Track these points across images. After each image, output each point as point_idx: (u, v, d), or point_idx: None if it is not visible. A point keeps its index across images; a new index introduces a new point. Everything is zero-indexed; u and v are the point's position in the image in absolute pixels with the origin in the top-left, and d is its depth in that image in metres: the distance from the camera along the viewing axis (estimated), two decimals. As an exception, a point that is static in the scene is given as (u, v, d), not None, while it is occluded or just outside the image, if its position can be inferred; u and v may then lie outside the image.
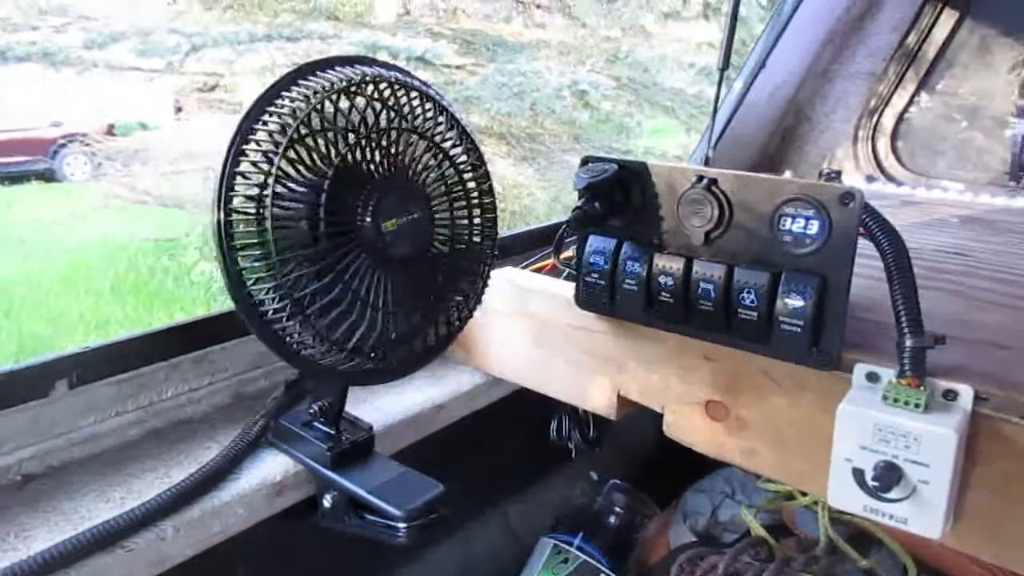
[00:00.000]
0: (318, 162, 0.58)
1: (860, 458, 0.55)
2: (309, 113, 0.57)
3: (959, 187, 1.35)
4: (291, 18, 4.93)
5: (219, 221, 0.55)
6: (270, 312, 0.57)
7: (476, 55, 5.19)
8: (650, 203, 0.66)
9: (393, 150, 0.62)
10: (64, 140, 8.20)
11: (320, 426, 0.71)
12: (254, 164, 0.56)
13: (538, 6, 5.63)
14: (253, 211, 0.55)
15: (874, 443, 0.54)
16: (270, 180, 0.55)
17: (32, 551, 0.56)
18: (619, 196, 0.67)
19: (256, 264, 0.56)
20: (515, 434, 1.03)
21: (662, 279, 0.65)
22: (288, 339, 0.60)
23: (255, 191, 0.56)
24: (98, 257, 5.69)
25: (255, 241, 0.56)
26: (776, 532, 1.03)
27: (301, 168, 0.57)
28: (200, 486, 0.64)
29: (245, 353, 0.81)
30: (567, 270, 0.85)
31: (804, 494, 1.05)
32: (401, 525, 0.64)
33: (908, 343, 0.54)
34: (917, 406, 0.53)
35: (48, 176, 8.23)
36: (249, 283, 0.57)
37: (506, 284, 0.81)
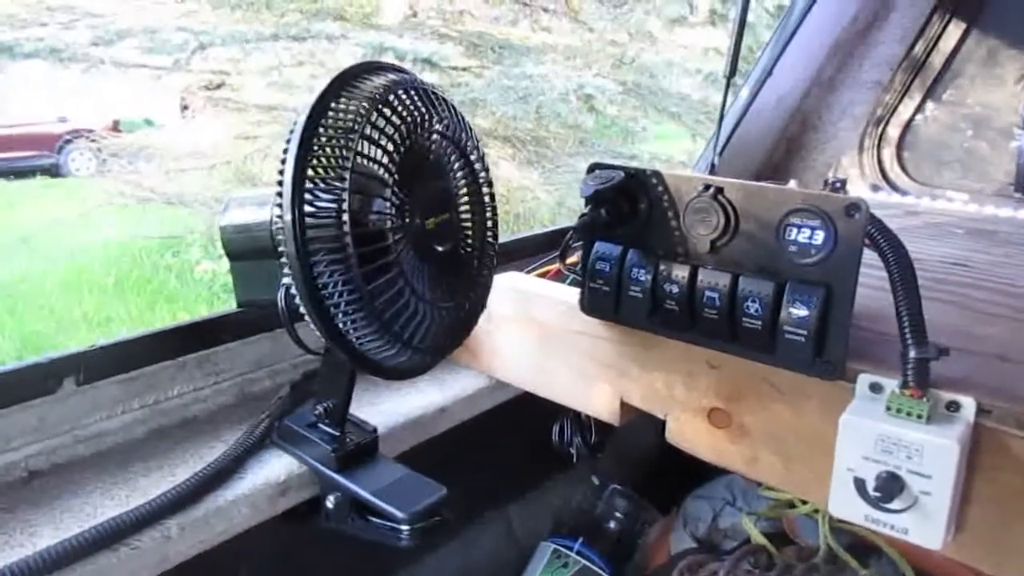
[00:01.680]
0: (383, 161, 0.59)
1: (862, 468, 0.55)
2: (372, 112, 0.58)
3: (964, 197, 1.35)
4: (298, 18, 4.94)
5: (293, 220, 0.56)
6: (334, 307, 0.58)
7: (482, 58, 5.19)
8: (656, 211, 0.66)
9: (431, 155, 0.64)
10: (70, 136, 8.22)
11: (325, 427, 0.71)
12: (324, 161, 0.57)
13: (545, 10, 5.64)
14: (331, 211, 0.56)
15: (876, 453, 0.54)
16: (347, 175, 0.56)
17: (38, 547, 0.56)
18: (625, 204, 0.67)
19: (330, 257, 0.57)
20: (517, 438, 1.03)
21: (667, 286, 0.65)
22: (348, 334, 0.60)
23: (328, 186, 0.56)
24: (102, 254, 5.70)
25: (332, 234, 0.56)
26: (776, 540, 1.03)
27: (369, 167, 0.59)
28: (205, 485, 0.65)
29: (250, 353, 0.82)
30: (571, 275, 0.85)
31: (805, 502, 1.05)
32: (404, 528, 0.65)
33: (912, 354, 0.54)
34: (920, 417, 0.53)
35: (53, 172, 8.26)
36: (318, 279, 0.57)
37: (511, 289, 0.82)
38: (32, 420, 0.67)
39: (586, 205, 0.67)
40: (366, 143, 0.58)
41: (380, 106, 0.59)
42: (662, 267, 0.66)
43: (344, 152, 0.57)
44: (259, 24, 4.86)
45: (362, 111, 0.58)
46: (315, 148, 0.57)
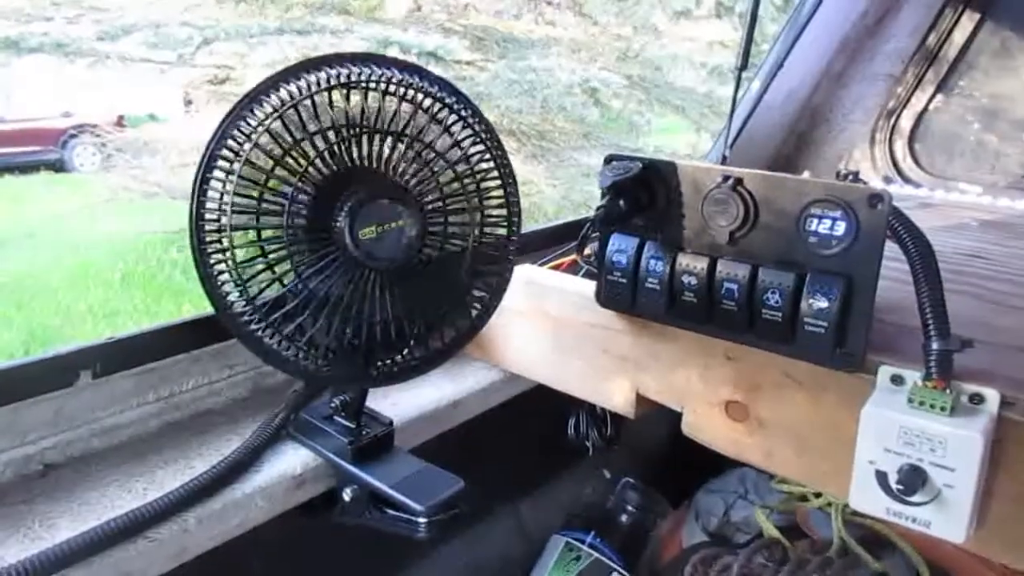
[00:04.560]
0: (292, 168, 0.58)
1: (884, 461, 0.55)
2: (279, 118, 0.57)
3: (977, 190, 1.34)
4: (303, 12, 4.93)
5: (191, 227, 0.57)
6: (243, 316, 0.58)
7: (487, 51, 5.17)
8: (675, 202, 0.66)
9: (375, 155, 0.62)
10: (74, 131, 8.22)
11: (341, 420, 0.71)
12: (221, 170, 0.57)
13: (549, 3, 5.62)
14: (216, 217, 0.57)
15: (898, 446, 0.54)
16: (229, 186, 0.56)
17: (57, 540, 0.56)
18: (643, 195, 0.67)
19: (222, 267, 0.58)
20: (530, 431, 1.03)
21: (685, 278, 0.65)
22: (259, 341, 0.60)
23: (219, 196, 0.57)
24: (108, 249, 5.71)
25: (221, 247, 0.57)
26: (789, 533, 1.03)
27: (282, 173, 0.58)
28: (222, 478, 0.65)
29: (264, 346, 0.81)
30: (585, 267, 0.85)
31: (818, 495, 1.04)
32: (421, 520, 0.65)
33: (935, 346, 0.54)
34: (943, 409, 0.53)
35: (58, 167, 8.25)
36: (221, 287, 0.58)
37: (524, 281, 0.81)
38: (48, 413, 0.66)
39: (603, 196, 0.66)
40: (291, 154, 0.57)
41: (296, 107, 0.57)
42: (680, 259, 0.65)
43: (234, 161, 0.56)
44: (263, 18, 4.86)
45: (269, 117, 0.57)
46: (222, 152, 0.57)
